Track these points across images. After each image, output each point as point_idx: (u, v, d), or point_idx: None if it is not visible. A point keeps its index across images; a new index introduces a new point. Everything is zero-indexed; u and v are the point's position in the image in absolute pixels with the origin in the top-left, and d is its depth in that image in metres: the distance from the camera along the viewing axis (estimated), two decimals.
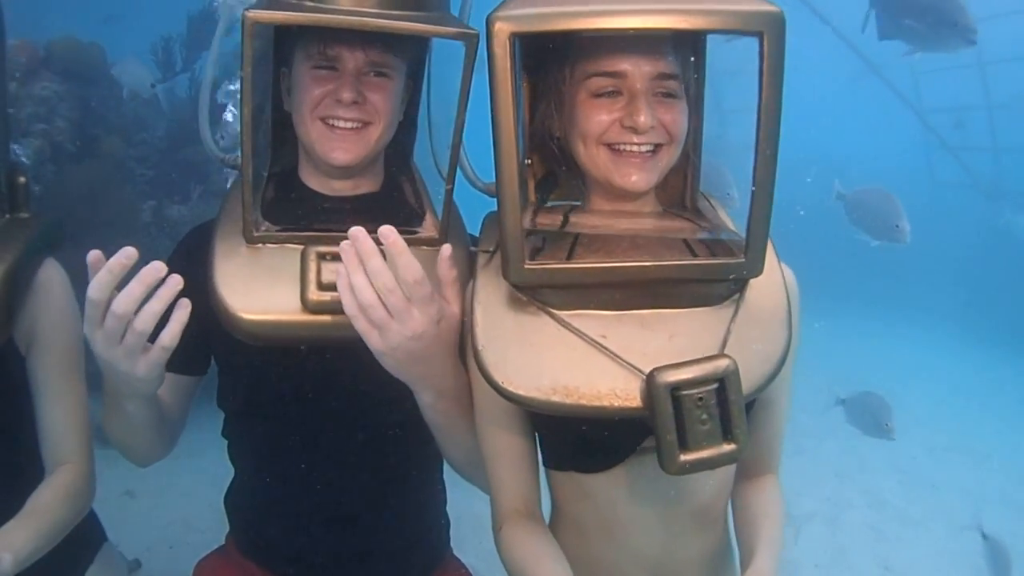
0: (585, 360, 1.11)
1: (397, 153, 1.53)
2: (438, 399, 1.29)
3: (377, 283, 1.09)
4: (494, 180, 1.25)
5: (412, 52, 1.43)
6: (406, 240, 1.32)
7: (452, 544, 1.77)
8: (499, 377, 1.11)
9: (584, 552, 1.31)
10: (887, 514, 4.73)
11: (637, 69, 1.12)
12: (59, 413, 1.39)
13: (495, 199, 1.26)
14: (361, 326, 1.12)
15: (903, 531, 4.54)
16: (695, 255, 1.20)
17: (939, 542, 4.41)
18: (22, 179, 1.38)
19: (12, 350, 1.32)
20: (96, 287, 1.05)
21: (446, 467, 1.66)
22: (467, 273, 1.32)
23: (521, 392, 1.10)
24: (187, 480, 3.84)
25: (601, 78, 1.14)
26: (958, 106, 11.40)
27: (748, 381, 1.08)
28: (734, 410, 1.05)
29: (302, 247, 1.26)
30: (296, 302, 1.23)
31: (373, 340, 1.13)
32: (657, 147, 1.17)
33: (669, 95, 1.16)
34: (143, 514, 3.62)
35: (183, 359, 1.41)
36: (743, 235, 1.16)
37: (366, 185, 1.46)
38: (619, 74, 1.14)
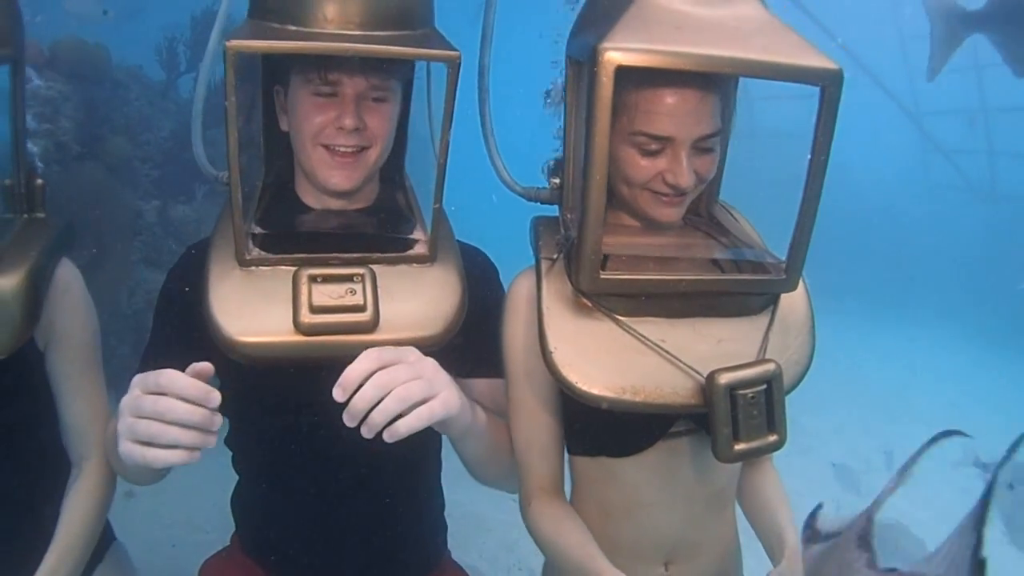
0: (648, 362, 1.23)
1: (390, 165, 1.54)
2: (462, 436, 1.33)
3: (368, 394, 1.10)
4: (536, 185, 1.41)
5: (410, 68, 1.45)
6: (395, 259, 1.37)
7: (455, 544, 1.78)
8: (572, 378, 1.21)
9: (606, 532, 1.39)
10: (889, 515, 4.73)
11: (685, 133, 1.20)
12: (80, 407, 1.44)
13: (535, 203, 1.43)
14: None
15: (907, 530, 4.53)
16: (721, 267, 1.34)
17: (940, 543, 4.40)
18: (39, 180, 1.44)
19: (32, 348, 1.35)
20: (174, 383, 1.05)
21: (444, 471, 1.68)
22: (460, 287, 1.37)
23: (595, 391, 1.21)
24: (188, 480, 3.81)
25: (648, 138, 1.21)
26: (955, 108, 11.39)
27: (784, 382, 1.23)
28: (777, 407, 1.21)
29: (294, 269, 1.29)
30: (289, 324, 1.25)
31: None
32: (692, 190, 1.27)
33: (707, 149, 1.24)
34: (145, 514, 3.63)
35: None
36: (766, 246, 1.36)
37: (361, 199, 1.48)
38: (667, 138, 1.21)
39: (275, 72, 1.42)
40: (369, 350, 1.12)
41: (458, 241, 1.49)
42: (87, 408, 1.44)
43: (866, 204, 11.13)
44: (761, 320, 1.31)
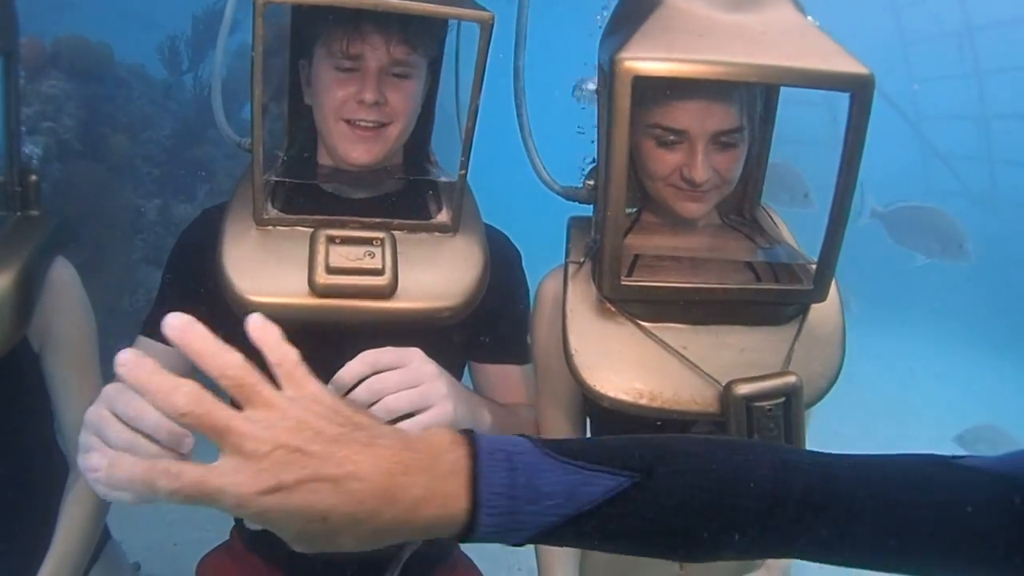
0: (668, 368, 1.22)
1: (416, 141, 1.52)
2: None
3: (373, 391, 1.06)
4: (574, 184, 1.39)
5: (434, 44, 1.41)
6: (417, 226, 1.35)
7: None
8: (591, 381, 1.21)
9: None
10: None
11: (699, 127, 1.19)
12: (78, 408, 1.40)
13: (572, 202, 1.40)
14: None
15: None
16: (755, 272, 1.31)
17: None
18: (33, 177, 1.40)
19: (26, 349, 1.33)
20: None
21: None
22: (483, 260, 1.35)
23: (611, 395, 1.20)
24: None
25: (664, 131, 1.21)
26: (954, 115, 11.41)
27: (807, 394, 1.21)
28: (796, 421, 1.18)
29: (312, 230, 1.27)
30: (304, 285, 1.22)
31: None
32: (713, 187, 1.26)
33: (728, 145, 1.22)
34: (145, 513, 3.62)
35: None
36: (801, 251, 1.31)
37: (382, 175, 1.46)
38: (681, 131, 1.20)
39: (301, 45, 1.40)
40: (368, 351, 1.08)
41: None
42: (85, 409, 1.42)
43: (867, 207, 11.10)
44: (789, 330, 1.28)
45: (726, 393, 1.17)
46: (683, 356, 1.22)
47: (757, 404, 1.16)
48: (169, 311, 1.46)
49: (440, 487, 0.63)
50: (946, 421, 6.43)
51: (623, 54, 1.09)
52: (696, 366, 1.22)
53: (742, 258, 1.33)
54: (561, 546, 0.83)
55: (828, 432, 5.40)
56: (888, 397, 6.82)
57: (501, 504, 0.64)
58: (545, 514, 0.66)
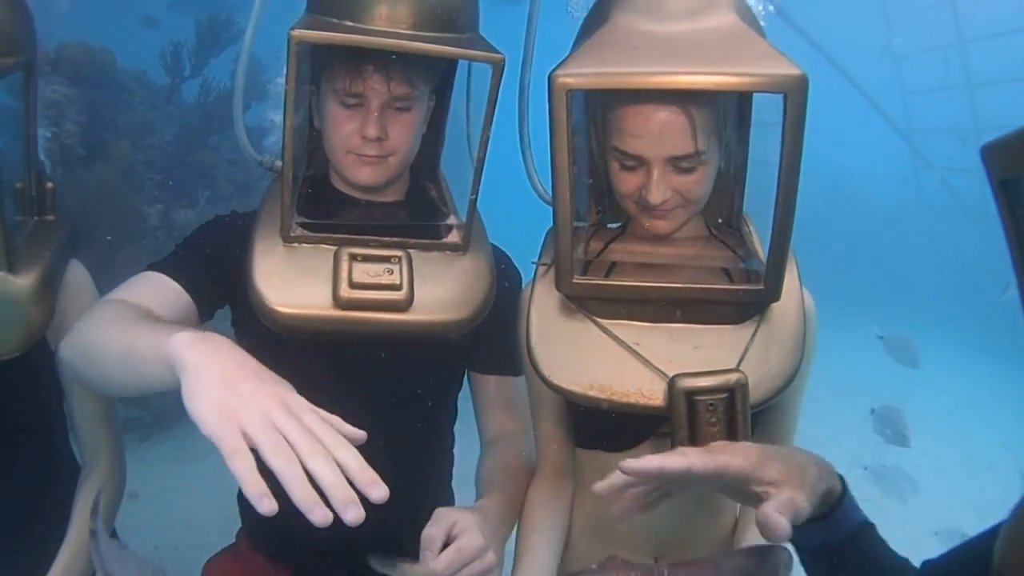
0: (620, 362, 1.28)
1: (424, 160, 1.57)
2: None
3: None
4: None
5: (435, 77, 1.47)
6: (430, 245, 1.42)
7: None
8: (547, 372, 1.29)
9: (601, 520, 1.48)
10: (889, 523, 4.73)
11: (653, 152, 1.22)
12: (90, 406, 1.46)
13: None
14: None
15: (905, 540, 4.54)
16: (730, 276, 1.35)
17: (940, 551, 4.41)
18: (50, 184, 1.47)
19: (43, 347, 1.37)
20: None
21: (454, 470, 1.71)
22: (490, 277, 1.44)
23: (564, 385, 1.28)
24: (191, 482, 3.87)
25: (621, 155, 1.25)
26: (947, 127, 11.40)
27: (758, 392, 1.24)
28: (740, 418, 1.21)
29: (335, 247, 1.35)
30: (328, 298, 1.31)
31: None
32: (677, 206, 1.28)
33: (688, 169, 1.25)
34: (148, 516, 3.64)
35: (202, 290, 1.39)
36: (761, 259, 1.33)
37: (392, 193, 1.53)
38: (638, 157, 1.23)
39: (312, 72, 1.46)
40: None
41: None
42: (97, 407, 1.46)
43: (866, 216, 11.11)
44: (746, 329, 1.31)
45: (670, 386, 1.22)
46: (635, 351, 1.28)
47: (700, 398, 1.21)
48: (186, 266, 1.45)
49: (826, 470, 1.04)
50: (943, 427, 6.43)
51: (558, 71, 1.16)
52: (647, 360, 1.26)
53: (706, 264, 1.37)
54: (825, 565, 1.12)
55: (827, 436, 5.40)
56: (887, 402, 6.82)
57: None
58: (856, 509, 1.07)
